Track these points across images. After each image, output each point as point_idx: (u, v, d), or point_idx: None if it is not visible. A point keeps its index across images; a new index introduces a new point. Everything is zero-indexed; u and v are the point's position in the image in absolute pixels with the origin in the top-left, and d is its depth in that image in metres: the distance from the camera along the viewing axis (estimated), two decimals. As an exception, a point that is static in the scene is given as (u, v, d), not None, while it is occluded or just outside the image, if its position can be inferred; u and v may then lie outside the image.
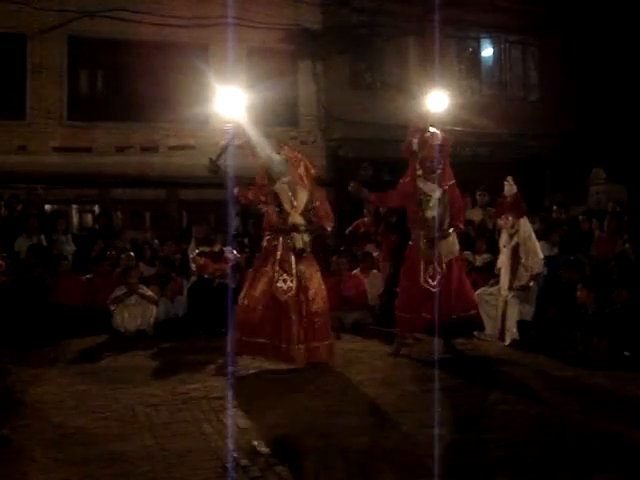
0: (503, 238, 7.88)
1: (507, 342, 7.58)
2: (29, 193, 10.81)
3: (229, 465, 3.96)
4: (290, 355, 6.36)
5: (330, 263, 9.36)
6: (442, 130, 7.17)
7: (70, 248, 10.08)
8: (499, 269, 7.94)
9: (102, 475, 3.87)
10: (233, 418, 4.87)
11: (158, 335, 8.33)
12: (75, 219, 13.91)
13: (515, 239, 7.68)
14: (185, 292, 8.93)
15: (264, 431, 4.61)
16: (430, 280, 6.87)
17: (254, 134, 6.69)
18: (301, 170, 6.72)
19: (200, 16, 13.64)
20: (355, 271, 9.39)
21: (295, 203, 6.59)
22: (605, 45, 15.37)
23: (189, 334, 8.22)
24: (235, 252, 8.89)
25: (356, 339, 8.11)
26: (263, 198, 6.67)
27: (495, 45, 17.01)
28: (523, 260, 7.61)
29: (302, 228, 6.57)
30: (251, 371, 6.44)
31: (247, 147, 6.68)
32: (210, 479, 3.82)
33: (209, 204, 12.65)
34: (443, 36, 15.18)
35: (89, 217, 13.95)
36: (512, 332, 7.57)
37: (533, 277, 7.70)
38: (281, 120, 14.11)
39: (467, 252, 9.34)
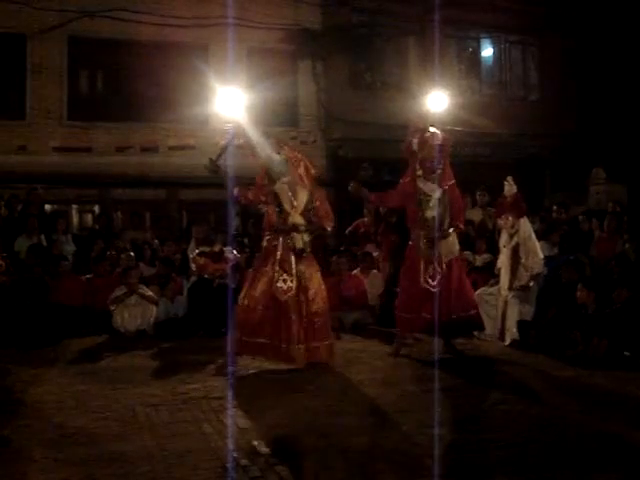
0: (503, 238, 7.88)
1: (507, 342, 7.58)
2: (29, 193, 10.81)
3: (229, 465, 3.96)
4: (290, 355, 6.36)
5: (330, 263, 9.36)
6: (442, 130, 7.17)
7: (70, 248, 10.08)
8: (499, 269, 7.94)
9: (102, 475, 3.87)
10: (233, 418, 4.87)
11: (158, 335, 8.33)
12: (75, 219, 13.92)
13: (515, 239, 7.68)
14: (185, 292, 8.93)
15: (264, 431, 4.61)
16: (430, 280, 6.87)
17: (254, 134, 6.68)
18: (301, 170, 6.72)
19: (200, 16, 13.65)
20: (355, 271, 9.39)
21: (295, 203, 6.59)
22: (605, 45, 15.37)
23: (189, 334, 8.22)
24: (235, 252, 8.89)
25: (356, 339, 8.11)
26: (263, 198, 6.67)
27: (495, 45, 17.02)
28: (523, 260, 7.61)
29: (302, 228, 6.57)
30: (251, 371, 6.43)
31: (247, 147, 6.68)
32: (210, 479, 3.82)
33: (209, 204, 12.66)
34: (443, 36, 15.19)
35: (89, 217, 13.96)
36: (512, 332, 7.57)
37: (533, 277, 7.70)
38: (281, 120, 14.11)
39: (467, 252, 9.34)
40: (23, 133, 13.20)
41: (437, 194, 6.95)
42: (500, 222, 8.03)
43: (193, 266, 9.12)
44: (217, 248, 9.24)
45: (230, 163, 6.67)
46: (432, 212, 6.92)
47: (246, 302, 6.49)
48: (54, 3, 12.92)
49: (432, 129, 7.09)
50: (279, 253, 6.49)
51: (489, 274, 8.44)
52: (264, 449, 4.26)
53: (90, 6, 13.11)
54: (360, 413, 5.08)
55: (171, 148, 13.80)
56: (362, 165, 7.16)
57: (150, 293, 8.67)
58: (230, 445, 4.26)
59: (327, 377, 6.19)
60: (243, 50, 14.06)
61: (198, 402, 5.36)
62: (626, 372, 6.20)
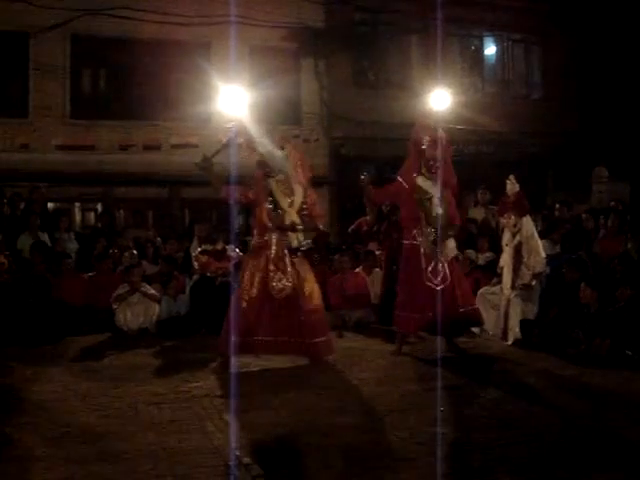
0: (506, 236, 7.88)
1: (510, 341, 7.58)
2: (32, 191, 10.82)
3: (231, 463, 3.96)
4: (295, 348, 6.43)
5: (333, 261, 9.34)
6: (443, 128, 7.17)
7: (73, 246, 10.10)
8: (502, 268, 7.93)
9: (104, 473, 3.87)
10: (235, 416, 4.87)
11: (160, 333, 8.34)
12: (78, 217, 13.95)
13: (517, 238, 7.67)
14: (187, 290, 8.94)
15: (266, 429, 4.61)
16: (433, 278, 6.87)
17: (256, 132, 6.67)
18: (300, 169, 6.73)
19: (203, 14, 13.66)
20: (358, 269, 9.39)
21: (291, 200, 6.58)
22: (608, 43, 15.35)
23: (191, 332, 8.24)
24: (237, 250, 8.90)
25: (358, 337, 8.11)
26: (252, 197, 6.63)
27: (498, 43, 17.00)
28: (525, 259, 7.60)
29: (299, 227, 6.58)
30: (253, 369, 6.44)
31: (247, 146, 6.64)
32: (212, 477, 3.82)
33: (211, 202, 12.59)
34: (446, 34, 15.17)
35: (92, 215, 13.98)
36: (515, 331, 7.56)
37: (535, 276, 7.69)
38: (284, 118, 14.12)
39: (470, 250, 9.35)
40: (26, 131, 13.22)
41: (439, 193, 6.95)
42: (503, 221, 8.03)
43: (195, 264, 9.13)
44: (219, 246, 9.25)
45: (233, 161, 6.64)
46: (437, 210, 6.93)
47: (243, 303, 6.47)
48: (57, 1, 12.90)
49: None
50: (273, 251, 6.49)
51: (492, 273, 8.43)
52: (266, 447, 4.26)
53: (93, 4, 13.11)
54: (362, 412, 5.08)
55: (174, 146, 13.81)
56: (363, 173, 7.28)
57: (152, 291, 8.67)
58: (232, 443, 4.26)
59: (329, 376, 6.20)
60: (246, 48, 14.05)
61: (200, 400, 5.37)
62: (628, 371, 6.20)
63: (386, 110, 14.24)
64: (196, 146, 13.05)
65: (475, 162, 14.15)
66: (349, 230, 10.37)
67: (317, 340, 6.52)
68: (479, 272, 8.78)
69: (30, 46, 13.23)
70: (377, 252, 9.57)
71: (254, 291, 6.45)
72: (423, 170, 7.01)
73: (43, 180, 12.03)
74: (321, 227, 6.98)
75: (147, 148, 13.73)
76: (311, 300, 6.55)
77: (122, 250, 9.48)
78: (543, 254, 7.77)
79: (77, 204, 14.00)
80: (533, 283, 7.71)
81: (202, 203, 13.33)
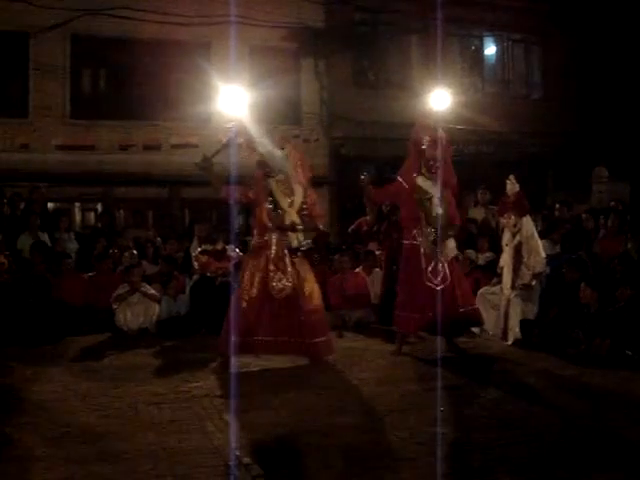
0: (506, 236, 7.88)
1: (510, 341, 7.58)
2: (32, 191, 10.82)
3: (231, 463, 3.96)
4: (295, 348, 6.44)
5: (333, 261, 9.33)
6: (443, 128, 7.17)
7: (73, 246, 10.10)
8: (502, 268, 7.93)
9: (104, 473, 3.87)
10: (235, 416, 4.88)
11: (160, 333, 8.34)
12: (78, 217, 13.95)
13: (517, 238, 7.67)
14: (187, 290, 8.94)
15: (266, 429, 4.61)
16: (433, 278, 6.88)
17: (256, 132, 6.67)
18: (300, 169, 6.73)
19: (203, 14, 13.66)
20: (358, 269, 9.39)
21: (291, 200, 6.58)
22: (608, 43, 15.35)
23: (191, 332, 8.24)
24: (237, 250, 8.90)
25: (358, 337, 8.11)
26: (252, 197, 6.63)
27: (498, 43, 17.01)
28: (525, 259, 7.60)
29: (299, 227, 6.58)
30: (253, 369, 6.44)
31: (246, 146, 6.63)
32: (212, 477, 3.82)
33: (211, 202, 12.60)
34: (446, 34, 15.17)
35: (92, 215, 13.98)
36: (515, 331, 7.56)
37: (535, 276, 7.69)
38: (284, 118, 14.13)
39: (470, 250, 9.35)
40: (26, 131, 13.22)
41: (439, 193, 6.95)
42: (503, 221, 8.03)
43: (195, 264, 9.13)
44: (220, 246, 9.25)
45: (233, 161, 6.64)
46: (437, 210, 6.93)
47: (243, 303, 6.47)
48: (57, 1, 12.90)
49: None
50: (273, 251, 6.49)
51: (492, 273, 8.43)
52: (266, 447, 4.26)
53: (93, 4, 13.11)
54: (362, 412, 5.08)
55: (174, 146, 13.82)
56: (363, 173, 7.27)
57: (152, 291, 8.67)
58: (232, 443, 4.26)
59: (329, 375, 6.20)
60: (246, 48, 14.06)
61: (200, 400, 5.37)
62: (628, 371, 6.20)
63: (386, 110, 14.24)
64: (196, 146, 13.05)
65: (475, 162, 14.15)
66: (349, 230, 10.37)
67: (317, 340, 6.53)
68: (479, 272, 8.78)
69: (30, 46, 13.23)
70: (377, 252, 9.57)
71: (254, 291, 6.45)
72: (423, 170, 7.01)
73: (43, 180, 12.03)
74: (321, 227, 6.98)
75: (147, 148, 13.73)
76: (311, 300, 6.55)
77: (122, 250, 9.48)
78: (543, 254, 7.77)
79: (77, 204, 14.00)
80: (533, 283, 7.71)
81: (202, 203, 13.33)
